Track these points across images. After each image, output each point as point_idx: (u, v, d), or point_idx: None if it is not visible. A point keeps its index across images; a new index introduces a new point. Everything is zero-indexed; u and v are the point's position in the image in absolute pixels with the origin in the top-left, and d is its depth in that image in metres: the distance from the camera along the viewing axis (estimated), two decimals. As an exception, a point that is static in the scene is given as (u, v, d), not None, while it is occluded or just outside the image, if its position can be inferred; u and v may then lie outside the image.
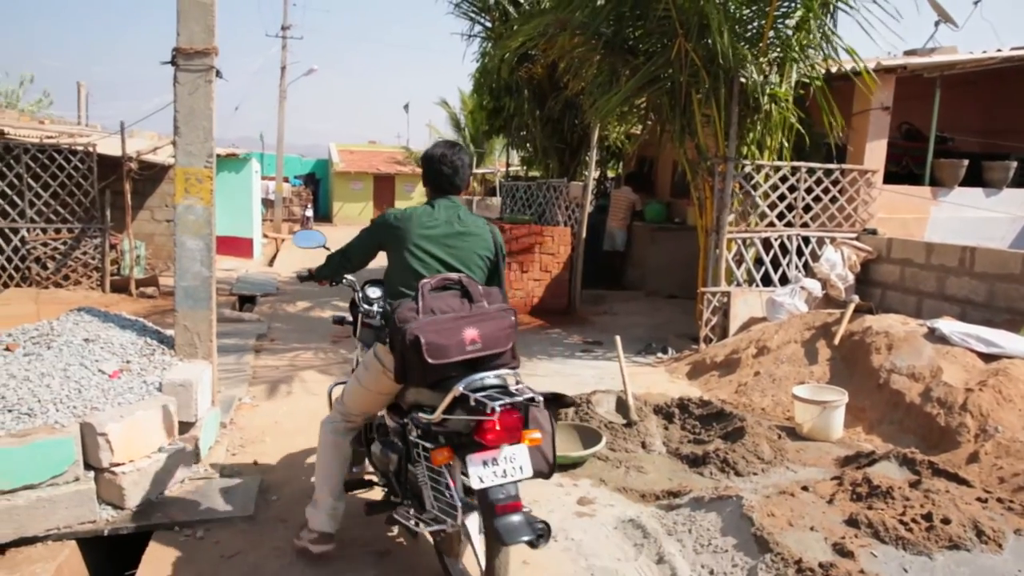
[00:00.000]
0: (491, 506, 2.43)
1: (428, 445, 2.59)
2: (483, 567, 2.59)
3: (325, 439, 3.06)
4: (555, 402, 2.72)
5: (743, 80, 6.99)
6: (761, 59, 7.05)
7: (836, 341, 6.05)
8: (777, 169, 7.53)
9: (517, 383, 2.59)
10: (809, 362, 6.05)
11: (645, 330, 8.60)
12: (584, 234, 9.99)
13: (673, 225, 11.11)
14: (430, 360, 2.50)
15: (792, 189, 7.73)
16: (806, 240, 7.85)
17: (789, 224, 7.79)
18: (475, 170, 27.38)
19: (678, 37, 6.89)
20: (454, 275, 2.76)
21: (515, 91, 11.54)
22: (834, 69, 7.39)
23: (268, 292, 11.12)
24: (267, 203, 24.11)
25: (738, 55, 6.75)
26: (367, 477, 3.39)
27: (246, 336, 7.59)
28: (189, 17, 4.25)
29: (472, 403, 2.45)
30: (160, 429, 3.85)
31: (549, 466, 2.65)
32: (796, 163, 7.62)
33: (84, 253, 10.08)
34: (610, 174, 15.10)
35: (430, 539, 2.99)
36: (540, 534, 2.44)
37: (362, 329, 3.25)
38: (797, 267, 7.76)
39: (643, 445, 4.69)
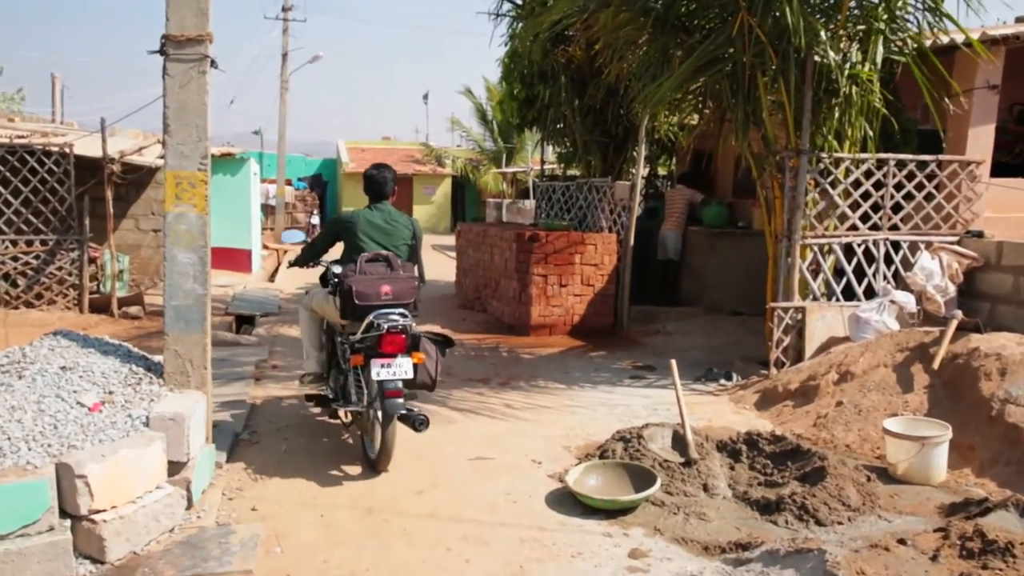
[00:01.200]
0: (383, 391, 4.61)
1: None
2: (381, 436, 4.72)
3: (302, 316, 5.48)
4: (444, 343, 5.05)
5: (818, 59, 6.94)
6: (840, 33, 6.99)
7: (936, 365, 5.92)
8: (860, 162, 7.44)
9: (408, 320, 4.76)
10: (903, 390, 5.94)
11: (705, 353, 8.54)
12: (632, 241, 9.97)
13: (736, 230, 11.04)
14: (357, 302, 4.74)
15: (878, 185, 7.62)
16: (896, 246, 7.73)
17: (875, 227, 7.67)
18: (504, 169, 27.57)
19: (740, 11, 6.87)
20: (383, 252, 4.99)
21: (550, 77, 11.58)
22: (928, 42, 7.28)
23: (269, 311, 11.27)
24: (267, 209, 24.51)
25: (812, 30, 6.69)
26: (324, 392, 5.51)
27: (244, 362, 7.69)
28: (179, 0, 4.34)
29: (375, 326, 4.67)
30: (147, 470, 3.90)
31: (432, 381, 4.91)
32: (882, 155, 7.52)
33: (59, 268, 10.33)
34: (661, 171, 15.06)
35: (358, 431, 5.25)
36: (420, 421, 4.58)
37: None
38: (886, 277, 7.64)
39: (705, 488, 4.65)
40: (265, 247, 20.59)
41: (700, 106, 8.46)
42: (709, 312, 10.44)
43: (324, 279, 5.37)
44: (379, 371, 4.63)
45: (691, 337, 9.35)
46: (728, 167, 12.24)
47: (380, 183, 5.24)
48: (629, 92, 9.42)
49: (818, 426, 5.88)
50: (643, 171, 11.26)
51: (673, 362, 5.54)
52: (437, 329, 7.92)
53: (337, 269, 5.09)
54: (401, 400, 4.62)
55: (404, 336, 4.68)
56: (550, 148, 15.28)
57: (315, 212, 27.24)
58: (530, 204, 11.49)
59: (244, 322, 10.83)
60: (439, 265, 16.41)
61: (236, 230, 15.76)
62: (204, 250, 4.46)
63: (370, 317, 4.72)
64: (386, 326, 4.64)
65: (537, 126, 13.10)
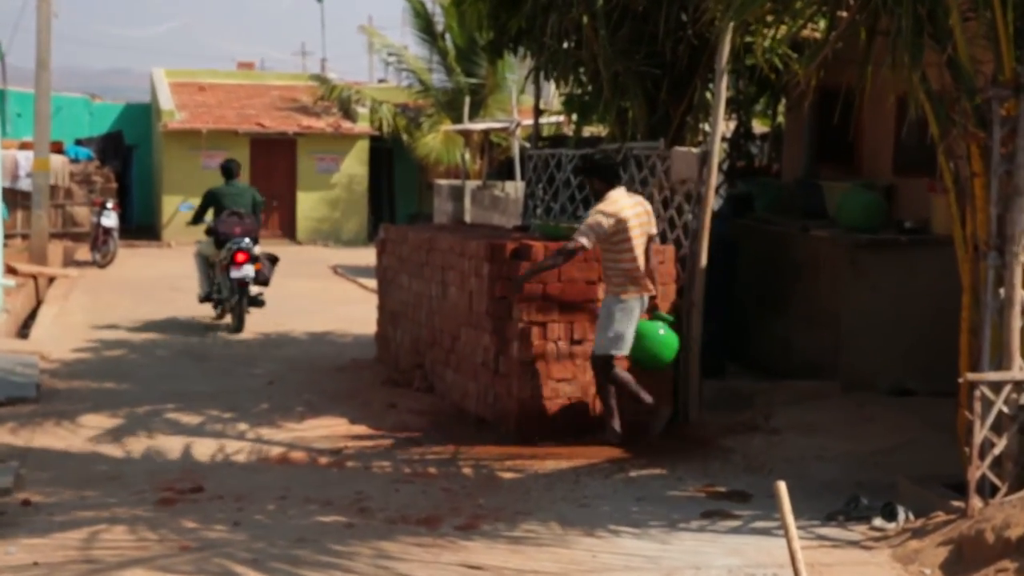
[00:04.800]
0: (237, 282, 17.78)
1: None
2: (237, 310, 18.12)
3: (198, 260, 19.19)
4: (274, 259, 19.24)
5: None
6: None
7: None
8: None
9: (250, 245, 18.06)
10: None
11: (842, 467, 8.60)
12: (704, 257, 10.02)
13: (900, 235, 11.07)
14: (222, 237, 18.32)
15: None
16: None
17: None
18: (467, 124, 27.67)
19: None
20: (239, 209, 18.89)
21: (550, -44, 11.72)
22: None
23: (17, 396, 11.22)
24: (16, 199, 24.40)
25: None
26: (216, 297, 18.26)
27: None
28: None
29: (230, 249, 18.15)
30: None
31: (266, 279, 18.84)
32: None
33: None
34: (759, 127, 15.17)
35: (229, 317, 18.00)
36: (261, 302, 18.73)
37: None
38: None
39: None
40: (12, 271, 20.14)
41: (831, 4, 8.56)
42: (850, 389, 10.50)
43: (209, 232, 17.40)
44: (235, 272, 16.59)
45: (816, 437, 9.39)
46: (883, 121, 12.30)
47: (232, 170, 18.14)
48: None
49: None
50: (724, 127, 11.31)
51: (782, 486, 5.52)
52: (342, 427, 10.54)
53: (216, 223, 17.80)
54: (247, 288, 16.90)
55: (247, 252, 16.70)
56: (551, 87, 15.39)
57: (109, 205, 25.55)
58: (514, 188, 11.57)
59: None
60: (341, 306, 16.47)
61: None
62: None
63: (229, 244, 16.72)
64: (235, 247, 16.68)
65: (527, 46, 13.20)
